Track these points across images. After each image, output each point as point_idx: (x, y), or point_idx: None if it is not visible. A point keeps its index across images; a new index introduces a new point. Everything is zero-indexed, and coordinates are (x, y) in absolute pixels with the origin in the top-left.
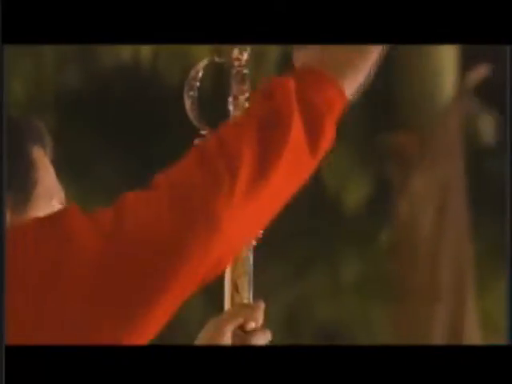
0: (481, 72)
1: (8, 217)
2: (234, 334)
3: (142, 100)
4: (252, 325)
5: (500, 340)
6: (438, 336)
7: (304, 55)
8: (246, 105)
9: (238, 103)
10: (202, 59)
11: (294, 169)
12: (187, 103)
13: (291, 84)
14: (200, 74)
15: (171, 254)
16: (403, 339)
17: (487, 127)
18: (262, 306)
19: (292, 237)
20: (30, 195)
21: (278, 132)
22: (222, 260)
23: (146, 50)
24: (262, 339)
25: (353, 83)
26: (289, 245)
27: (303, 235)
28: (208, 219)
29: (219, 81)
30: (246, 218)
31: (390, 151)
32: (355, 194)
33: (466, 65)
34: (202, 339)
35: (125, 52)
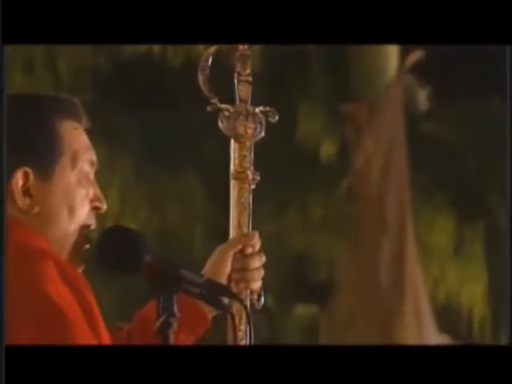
0: (417, 55)
1: (33, 182)
2: (235, 258)
3: (161, 78)
4: (249, 250)
5: (432, 262)
6: (385, 259)
7: None
8: (249, 79)
9: (241, 78)
10: (205, 48)
11: None
12: (200, 79)
13: None
14: (211, 56)
15: None
16: (357, 263)
17: (422, 98)
18: (256, 235)
19: (272, 183)
20: (55, 163)
21: None
22: None
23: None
24: (258, 261)
25: None
26: (269, 189)
27: (281, 182)
28: None
29: (226, 61)
30: None
31: (347, 117)
32: (323, 150)
33: (405, 48)
34: (211, 261)
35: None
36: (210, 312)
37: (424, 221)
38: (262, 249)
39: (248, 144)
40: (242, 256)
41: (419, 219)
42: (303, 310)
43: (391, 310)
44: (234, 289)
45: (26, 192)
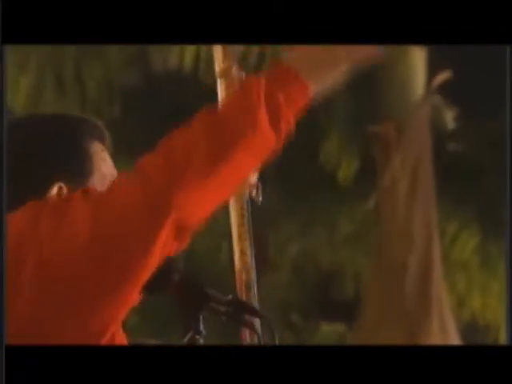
0: (444, 76)
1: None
2: None
3: (184, 94)
4: None
5: (457, 278)
6: (411, 275)
7: (290, 55)
8: None
9: None
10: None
11: (258, 148)
12: None
13: (261, 82)
14: None
15: (142, 235)
16: (383, 280)
17: (448, 118)
18: None
19: (298, 202)
20: (86, 182)
21: (246, 119)
22: (180, 234)
23: (189, 54)
24: None
25: (319, 84)
26: (295, 209)
27: (306, 201)
28: (164, 204)
29: None
30: (203, 194)
31: (375, 136)
32: (346, 170)
33: (432, 69)
34: None
35: (172, 56)
36: None
37: (449, 236)
38: (290, 265)
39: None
40: None
41: (444, 235)
42: (330, 327)
43: (417, 326)
44: None
45: None
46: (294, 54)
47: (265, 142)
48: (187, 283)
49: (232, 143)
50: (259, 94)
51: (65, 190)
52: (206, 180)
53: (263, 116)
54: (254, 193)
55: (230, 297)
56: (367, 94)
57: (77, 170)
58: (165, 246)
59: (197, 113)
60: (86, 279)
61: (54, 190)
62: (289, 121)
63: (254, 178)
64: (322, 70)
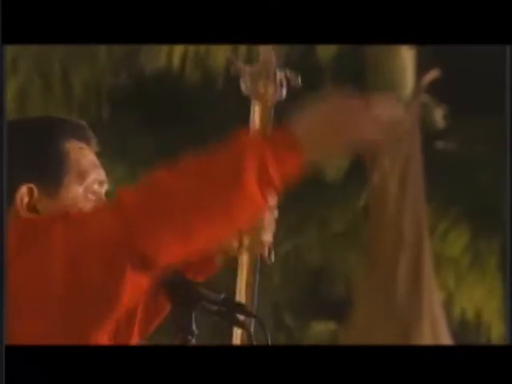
0: (433, 74)
1: (39, 198)
2: None
3: (173, 94)
4: None
5: (448, 276)
6: (402, 274)
7: (295, 121)
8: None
9: None
10: (220, 63)
11: (239, 208)
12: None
13: (256, 141)
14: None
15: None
16: (374, 279)
17: (438, 116)
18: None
19: (287, 201)
20: (62, 181)
21: (233, 178)
22: (148, 267)
23: (178, 54)
24: (270, 213)
25: (316, 155)
26: (285, 208)
27: (296, 201)
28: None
29: None
30: (173, 240)
31: None
32: (336, 168)
33: (421, 67)
34: None
35: (160, 56)
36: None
37: (439, 235)
38: (280, 264)
39: (269, 104)
40: None
41: (434, 233)
42: (321, 326)
43: (408, 325)
44: (245, 241)
45: (33, 208)
46: (300, 122)
47: (248, 203)
48: (178, 282)
49: (213, 199)
50: (252, 155)
51: (35, 192)
52: (179, 230)
53: (251, 177)
54: (266, 253)
55: (223, 296)
56: (356, 92)
57: (50, 169)
58: (133, 276)
59: (186, 155)
60: (57, 300)
61: (24, 191)
62: (276, 186)
63: (268, 237)
64: (324, 142)
